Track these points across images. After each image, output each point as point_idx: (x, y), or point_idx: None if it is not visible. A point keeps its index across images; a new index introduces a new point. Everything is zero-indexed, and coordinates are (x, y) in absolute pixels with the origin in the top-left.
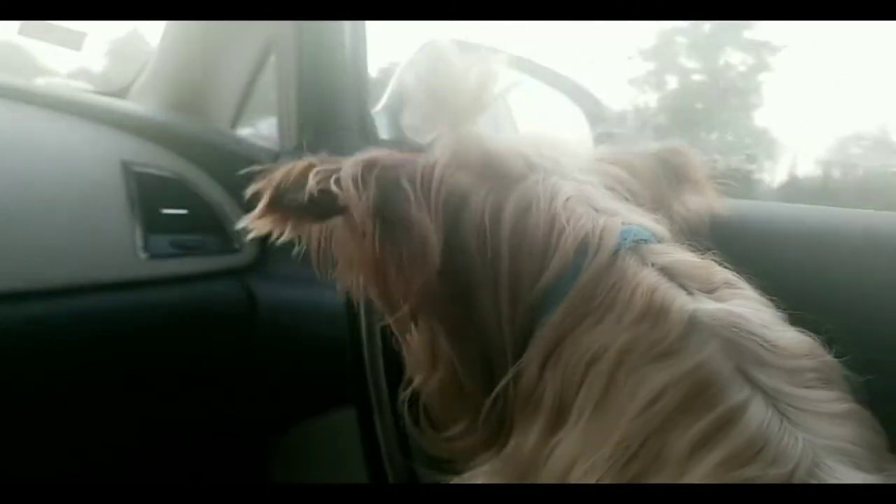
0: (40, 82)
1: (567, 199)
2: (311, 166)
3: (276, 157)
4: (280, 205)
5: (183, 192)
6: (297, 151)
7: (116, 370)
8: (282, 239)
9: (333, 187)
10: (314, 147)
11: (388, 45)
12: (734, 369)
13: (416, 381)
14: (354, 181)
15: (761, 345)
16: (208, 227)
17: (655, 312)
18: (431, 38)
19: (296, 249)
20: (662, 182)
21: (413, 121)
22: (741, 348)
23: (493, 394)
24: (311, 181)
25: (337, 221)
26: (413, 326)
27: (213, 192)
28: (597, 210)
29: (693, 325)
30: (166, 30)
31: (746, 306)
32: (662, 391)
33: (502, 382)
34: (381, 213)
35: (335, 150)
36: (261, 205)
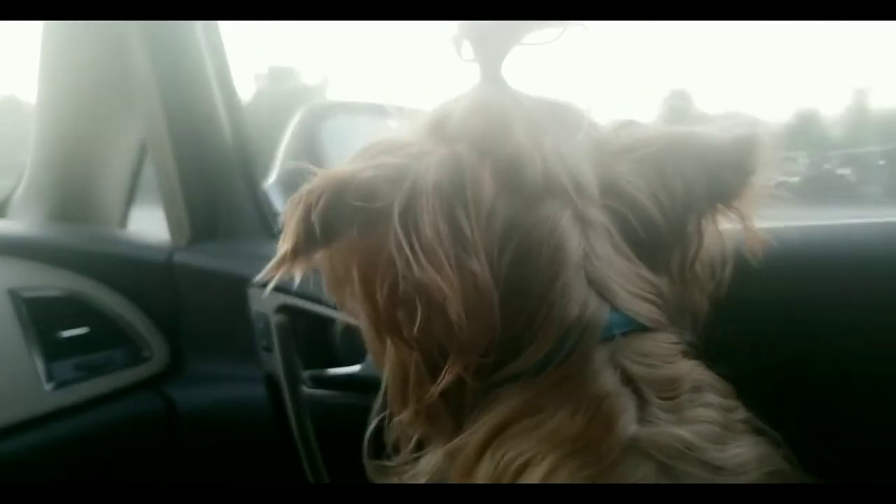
0: None
1: (566, 267)
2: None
3: (170, 253)
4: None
5: (80, 308)
6: (192, 244)
7: None
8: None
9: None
10: (209, 234)
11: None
12: None
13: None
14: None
15: (701, 465)
16: (113, 340)
17: (596, 430)
18: (309, 105)
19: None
20: (709, 184)
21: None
22: (676, 472)
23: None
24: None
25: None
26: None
27: (112, 301)
28: (593, 284)
29: (629, 450)
30: (37, 140)
31: (696, 424)
32: None
33: (456, 441)
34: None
35: (231, 233)
36: (285, 252)
